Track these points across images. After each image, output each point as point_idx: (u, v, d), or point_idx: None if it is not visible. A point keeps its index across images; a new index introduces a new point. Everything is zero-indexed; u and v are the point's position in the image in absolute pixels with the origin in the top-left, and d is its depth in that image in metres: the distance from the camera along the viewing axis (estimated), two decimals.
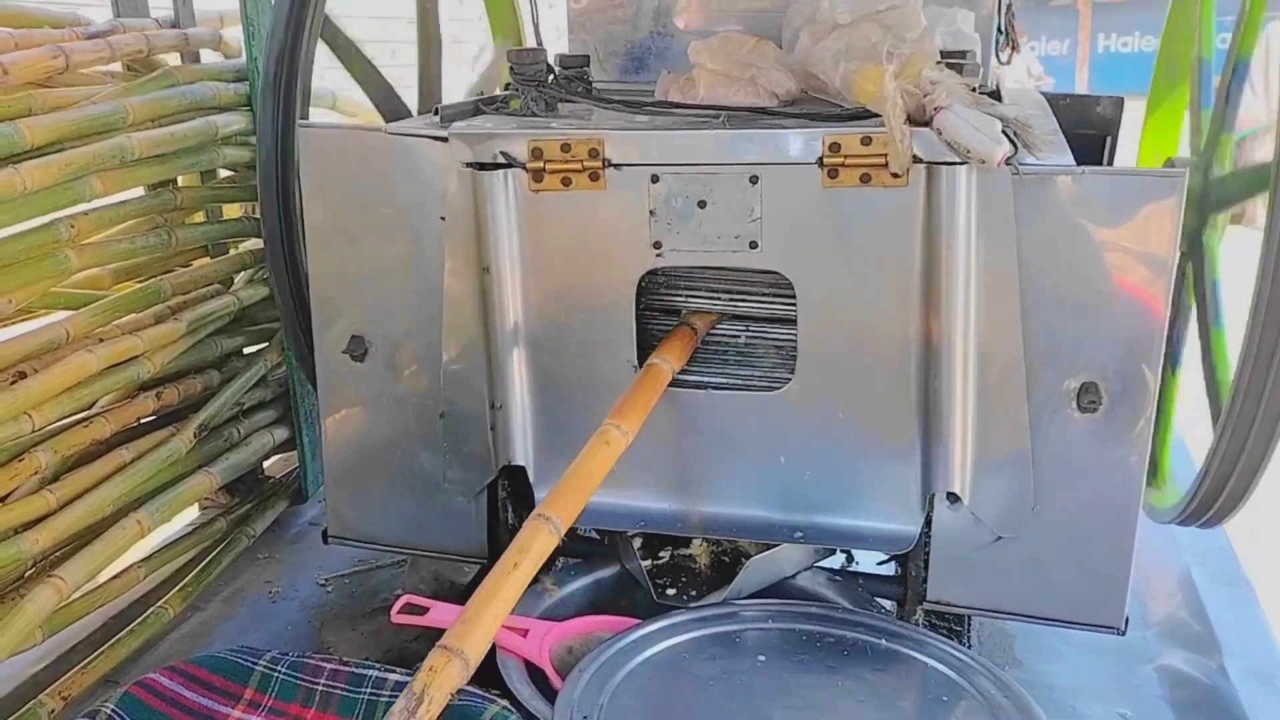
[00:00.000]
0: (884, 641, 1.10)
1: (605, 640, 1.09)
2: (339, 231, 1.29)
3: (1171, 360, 1.52)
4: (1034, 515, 1.17)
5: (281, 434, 1.70)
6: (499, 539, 1.34)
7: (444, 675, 0.85)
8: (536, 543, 0.98)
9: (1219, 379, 1.41)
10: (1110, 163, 1.58)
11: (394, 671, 1.04)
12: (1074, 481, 1.15)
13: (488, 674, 1.10)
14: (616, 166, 1.17)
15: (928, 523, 1.20)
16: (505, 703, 0.97)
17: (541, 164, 1.18)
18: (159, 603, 1.46)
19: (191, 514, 1.70)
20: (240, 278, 1.65)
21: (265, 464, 1.83)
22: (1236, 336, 1.22)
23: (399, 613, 1.15)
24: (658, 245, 1.19)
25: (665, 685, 1.01)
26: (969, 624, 1.32)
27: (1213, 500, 1.27)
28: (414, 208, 1.25)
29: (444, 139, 1.21)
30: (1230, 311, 1.42)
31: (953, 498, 1.17)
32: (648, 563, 1.28)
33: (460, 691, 0.90)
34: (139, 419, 1.46)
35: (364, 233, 1.28)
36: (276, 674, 1.02)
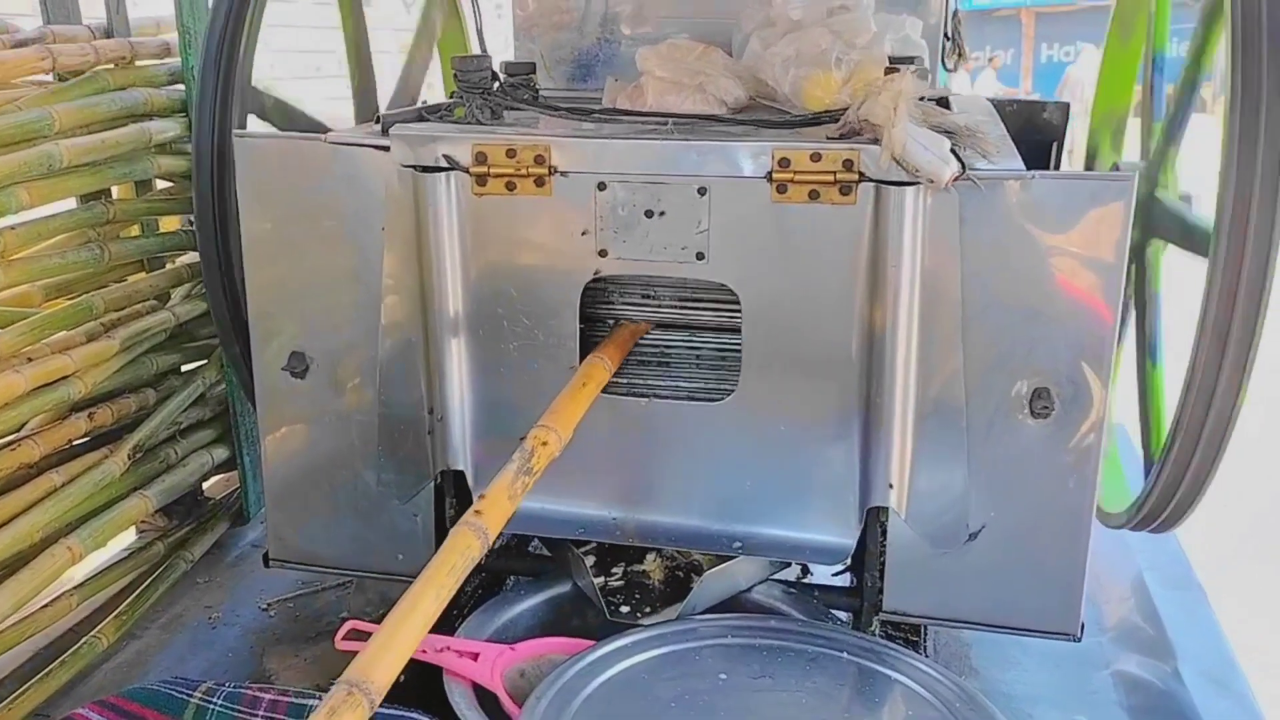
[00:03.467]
0: (846, 655, 1.08)
1: (561, 663, 1.06)
2: (277, 244, 1.25)
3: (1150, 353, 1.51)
4: (974, 528, 1.16)
5: (221, 454, 1.65)
6: None
7: (344, 716, 0.76)
8: (460, 553, 0.93)
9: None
10: (1057, 167, 1.59)
11: None
12: (1027, 488, 1.15)
13: (434, 700, 1.07)
14: (563, 174, 1.15)
15: (883, 533, 1.19)
16: None
17: (486, 168, 1.15)
18: (92, 632, 1.40)
19: (127, 538, 1.64)
20: (177, 293, 1.60)
21: (205, 485, 1.78)
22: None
23: (344, 638, 1.11)
24: (603, 253, 1.17)
25: (626, 708, 0.99)
26: (925, 633, 1.32)
27: (1164, 505, 1.27)
28: (355, 219, 1.22)
29: (385, 148, 1.18)
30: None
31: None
32: (600, 580, 1.25)
33: (403, 718, 0.87)
34: (70, 441, 1.40)
35: (304, 246, 1.24)
36: (212, 706, 0.98)
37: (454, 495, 1.29)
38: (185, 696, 0.98)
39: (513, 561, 1.36)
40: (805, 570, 1.32)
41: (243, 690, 0.99)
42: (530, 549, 1.42)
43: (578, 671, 1.03)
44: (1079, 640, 1.18)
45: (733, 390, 1.18)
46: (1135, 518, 1.36)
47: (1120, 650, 1.44)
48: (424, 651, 1.08)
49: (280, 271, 1.25)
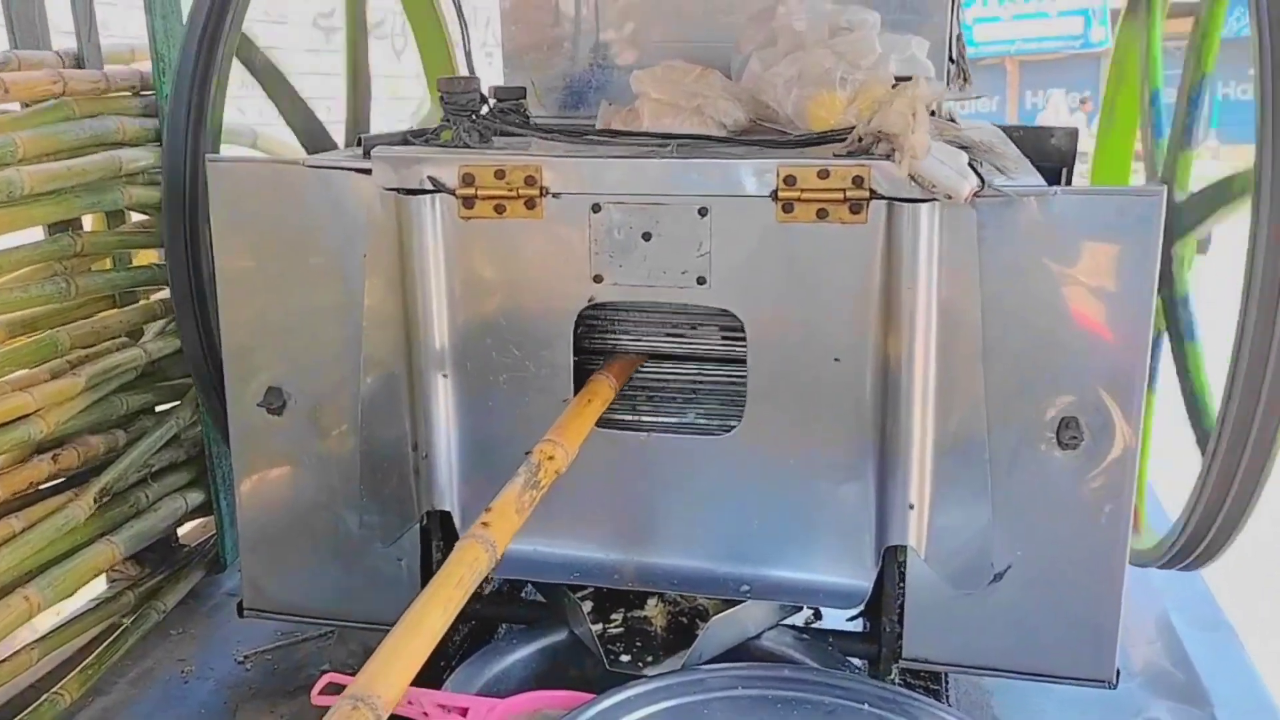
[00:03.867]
0: (867, 707, 1.00)
1: (558, 718, 0.97)
2: (253, 274, 1.18)
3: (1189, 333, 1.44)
4: (999, 567, 1.08)
5: (196, 498, 1.57)
6: None
7: None
8: (468, 565, 0.86)
9: (1199, 398, 1.34)
10: None
11: None
12: (1057, 524, 1.07)
13: None
14: (555, 195, 1.08)
15: (901, 575, 1.12)
16: None
17: (473, 190, 1.09)
18: (54, 688, 1.31)
19: (97, 588, 1.55)
20: (150, 329, 1.52)
21: (180, 531, 1.69)
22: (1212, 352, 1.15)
23: (320, 693, 1.02)
24: (598, 278, 1.10)
25: None
26: (947, 681, 1.23)
27: (1198, 542, 1.21)
28: (336, 247, 1.15)
29: (367, 170, 1.12)
30: (1203, 328, 1.36)
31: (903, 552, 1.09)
32: (599, 627, 1.16)
33: None
34: (32, 484, 1.32)
35: (281, 275, 1.17)
36: None
37: (440, 538, 1.21)
38: None
39: (504, 609, 1.27)
40: (817, 615, 1.24)
41: None
42: (523, 595, 1.34)
43: None
44: (1114, 687, 1.10)
45: (738, 423, 1.11)
46: (1167, 554, 1.28)
47: (1151, 696, 1.35)
48: (409, 705, 0.99)
49: (256, 303, 1.18)
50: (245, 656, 1.48)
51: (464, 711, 1.00)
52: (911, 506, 1.07)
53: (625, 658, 1.13)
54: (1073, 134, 1.60)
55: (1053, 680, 1.11)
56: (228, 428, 1.22)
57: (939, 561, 1.08)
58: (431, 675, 1.14)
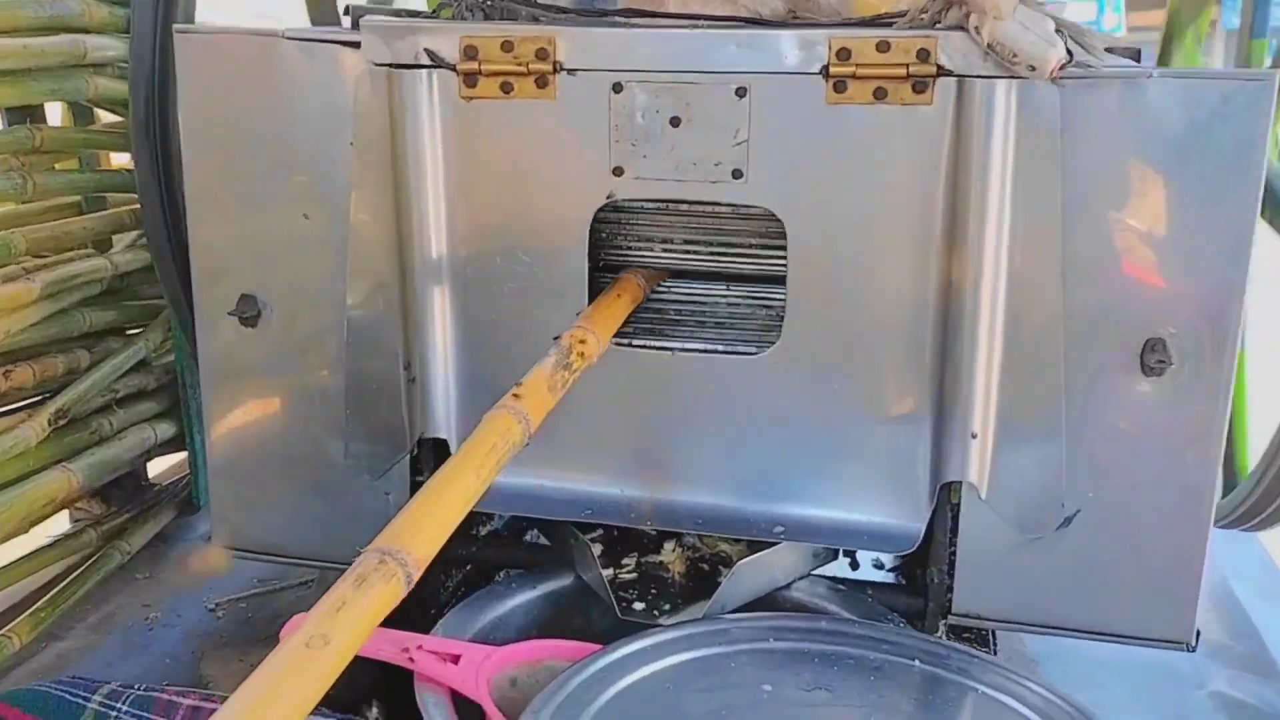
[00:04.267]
0: (919, 664, 0.87)
1: (564, 669, 0.84)
2: (225, 163, 1.03)
3: None
4: (1068, 510, 0.95)
5: (167, 430, 1.43)
6: None
7: (376, 589, 0.58)
8: (501, 434, 0.75)
9: None
10: None
11: None
12: (1136, 463, 0.94)
13: (398, 710, 0.85)
14: (570, 72, 0.94)
15: (954, 517, 0.98)
16: None
17: (476, 65, 0.94)
18: (3, 630, 1.18)
19: (59, 525, 1.42)
20: (120, 241, 1.38)
21: (154, 471, 1.56)
22: None
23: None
24: (618, 171, 0.96)
25: None
26: (995, 642, 1.10)
27: (1271, 500, 1.08)
28: (320, 134, 1.01)
29: (355, 44, 0.98)
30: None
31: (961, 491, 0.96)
32: (609, 572, 1.03)
33: None
34: None
35: (257, 165, 1.03)
36: (115, 713, 0.76)
37: (434, 469, 1.07)
38: (82, 701, 0.77)
39: (502, 552, 1.14)
40: (854, 564, 1.10)
41: (155, 694, 0.77)
42: (527, 539, 1.20)
43: (586, 679, 0.81)
44: (1193, 649, 0.97)
45: (775, 340, 0.97)
46: (1234, 512, 1.15)
47: (1216, 667, 1.22)
48: (387, 649, 0.86)
49: (227, 196, 1.04)
50: (217, 604, 1.35)
51: (455, 658, 0.87)
52: (974, 436, 0.93)
53: (639, 606, 1.00)
54: (1135, 53, 1.45)
55: (1121, 640, 0.98)
56: (195, 339, 1.09)
57: (1002, 501, 0.95)
58: (419, 621, 1.01)
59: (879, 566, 1.23)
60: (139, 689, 0.77)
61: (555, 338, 0.89)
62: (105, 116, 1.42)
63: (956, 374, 0.93)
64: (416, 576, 0.61)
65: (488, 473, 0.71)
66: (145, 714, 0.75)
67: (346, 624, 0.55)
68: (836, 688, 0.83)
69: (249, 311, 1.05)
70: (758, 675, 0.84)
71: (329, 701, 1.01)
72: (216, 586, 1.38)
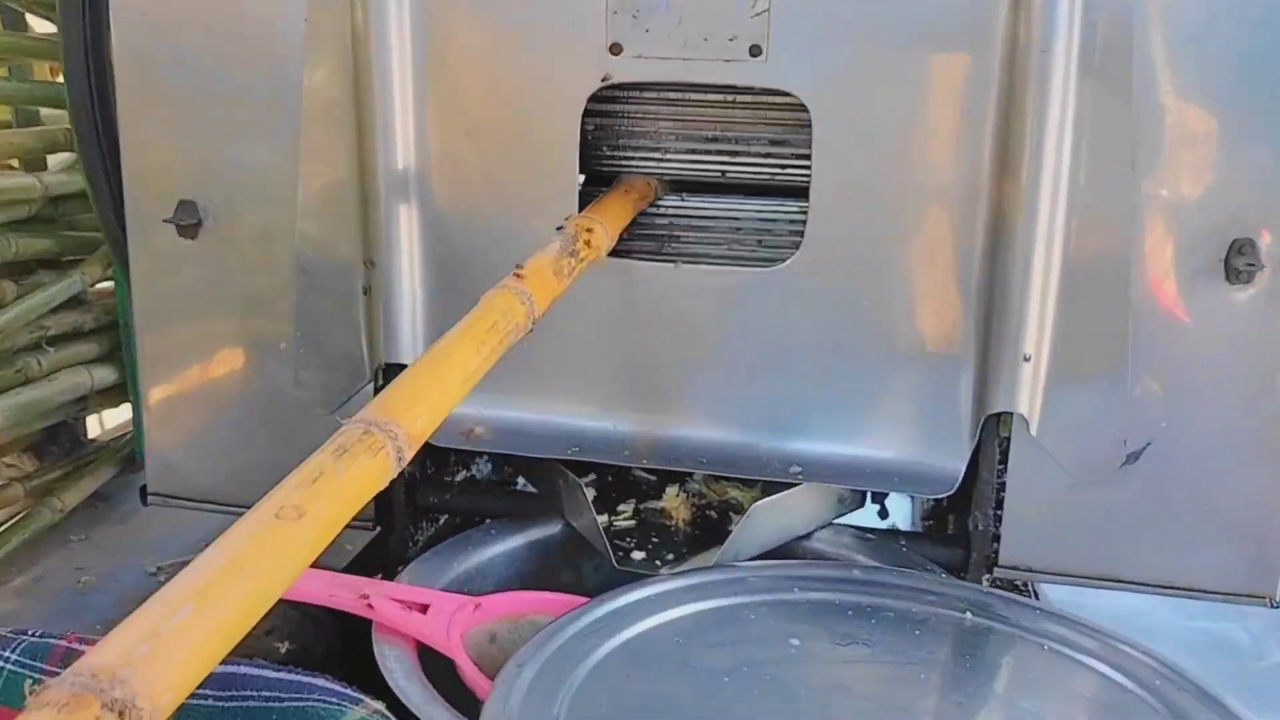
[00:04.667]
0: (970, 616, 0.74)
1: (552, 623, 0.71)
2: (161, 50, 0.89)
3: None
4: (1134, 446, 0.82)
5: (106, 376, 1.28)
6: (389, 494, 0.95)
7: (360, 461, 0.46)
8: (501, 313, 0.62)
9: None
10: None
11: None
12: (1215, 389, 0.81)
13: (356, 664, 0.71)
14: None
15: (1002, 454, 0.85)
16: (378, 705, 0.58)
17: None
18: None
19: None
20: (53, 161, 1.24)
21: (96, 426, 1.42)
22: None
23: None
24: (615, 49, 0.82)
25: (655, 683, 0.64)
26: (1036, 596, 0.97)
27: None
28: (270, 12, 0.87)
29: None
30: None
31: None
32: (603, 518, 0.90)
33: (299, 683, 0.52)
34: None
35: (197, 51, 0.89)
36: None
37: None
38: None
39: (482, 501, 0.99)
40: (883, 512, 0.97)
41: (53, 641, 0.62)
42: (515, 487, 1.06)
43: (582, 629, 0.68)
44: (1276, 605, 0.84)
45: (795, 249, 0.84)
46: None
47: (1274, 640, 1.10)
48: (341, 596, 0.72)
49: (164, 88, 0.90)
50: (159, 568, 1.21)
51: (423, 608, 0.73)
52: (1027, 359, 0.80)
53: (638, 555, 0.86)
54: None
55: (1192, 595, 0.85)
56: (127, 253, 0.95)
57: (1058, 436, 0.82)
58: (383, 568, 0.88)
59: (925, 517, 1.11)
60: (33, 635, 0.63)
61: (558, 227, 0.76)
62: (41, 26, 1.27)
63: (1007, 286, 0.80)
64: (408, 456, 0.49)
65: (489, 351, 0.59)
66: (36, 664, 0.61)
67: (324, 497, 0.43)
68: (876, 642, 0.70)
69: (187, 219, 0.91)
70: (782, 628, 0.71)
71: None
72: (159, 548, 1.23)
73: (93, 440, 1.39)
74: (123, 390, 1.33)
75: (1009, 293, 0.80)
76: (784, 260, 0.84)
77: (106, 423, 1.47)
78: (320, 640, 0.94)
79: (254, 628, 0.99)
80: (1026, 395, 0.81)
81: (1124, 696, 0.65)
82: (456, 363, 0.56)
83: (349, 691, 0.58)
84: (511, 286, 0.64)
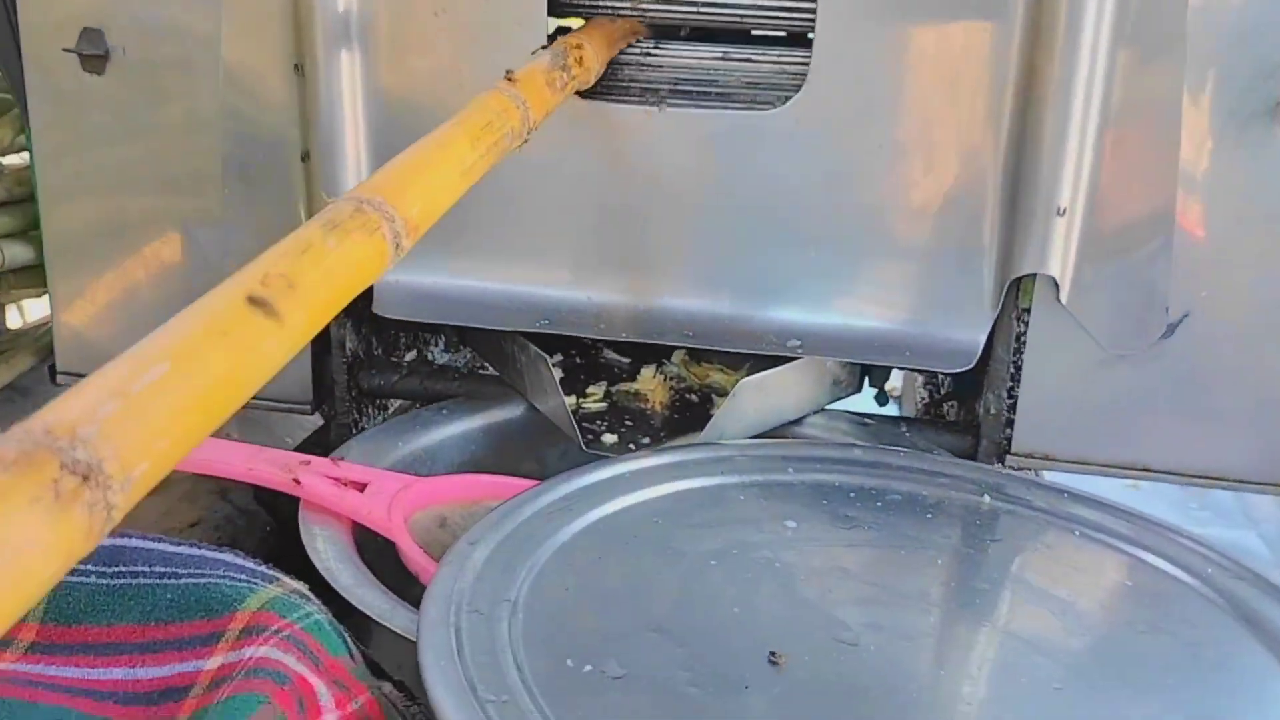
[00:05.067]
0: (988, 499, 0.65)
1: (511, 499, 0.61)
2: None
3: None
4: (1172, 316, 0.73)
5: (20, 254, 1.15)
6: (327, 376, 0.85)
7: (354, 238, 0.37)
8: (496, 112, 0.52)
9: None
10: None
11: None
12: (1261, 250, 0.72)
13: (291, 563, 0.61)
14: None
15: (1021, 327, 0.75)
16: (297, 584, 0.48)
17: None
18: None
19: None
20: None
21: (14, 315, 1.29)
22: None
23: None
24: None
25: (631, 567, 0.54)
26: None
27: None
28: None
29: None
30: None
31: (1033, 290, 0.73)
32: (571, 399, 0.80)
33: (201, 558, 0.42)
34: None
35: None
36: None
37: None
38: None
39: (434, 382, 0.89)
40: (881, 396, 0.88)
41: None
42: (477, 369, 0.96)
43: (546, 506, 0.58)
44: None
45: (796, 91, 0.73)
46: None
47: None
48: (263, 470, 0.62)
49: None
50: None
51: (360, 486, 0.63)
52: (1061, 212, 0.70)
53: (609, 439, 0.76)
54: None
55: (1226, 485, 0.77)
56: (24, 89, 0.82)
57: (1092, 301, 0.72)
58: (315, 446, 0.77)
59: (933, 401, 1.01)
60: None
61: (542, 47, 0.65)
62: None
63: (1037, 132, 0.70)
64: (406, 246, 0.41)
65: (484, 150, 0.49)
66: None
67: (315, 273, 0.35)
68: (883, 525, 0.61)
69: (92, 49, 0.79)
70: (775, 510, 0.61)
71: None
72: None
73: (12, 331, 1.27)
74: (40, 273, 1.21)
75: (1041, 132, 0.69)
76: (783, 103, 0.74)
77: (28, 315, 1.35)
78: (251, 535, 0.85)
79: (175, 522, 0.88)
80: (1058, 255, 0.71)
81: (1173, 585, 0.56)
82: (453, 154, 0.46)
83: (262, 568, 0.48)
84: (504, 89, 0.54)
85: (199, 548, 0.48)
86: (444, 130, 0.49)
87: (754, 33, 0.89)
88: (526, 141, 0.56)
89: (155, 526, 0.90)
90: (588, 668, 0.45)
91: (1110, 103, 0.68)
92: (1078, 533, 0.61)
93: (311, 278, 0.34)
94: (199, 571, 0.46)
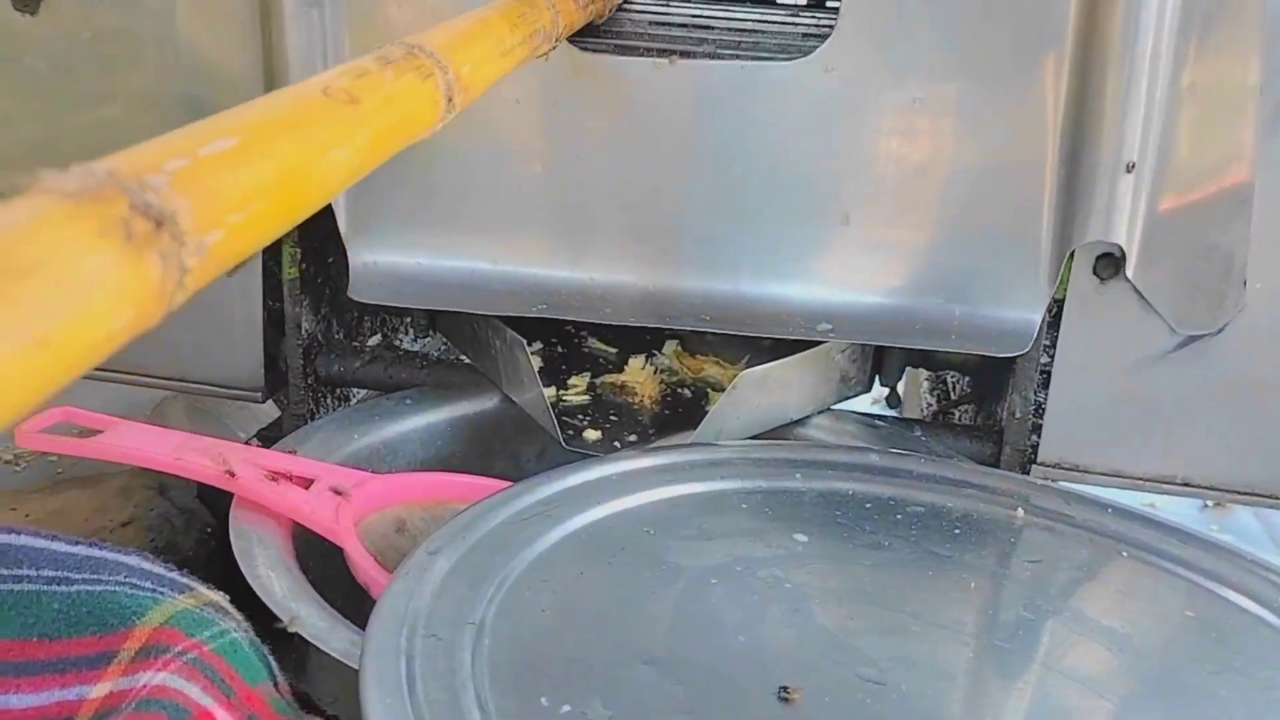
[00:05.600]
0: (1022, 512, 0.57)
1: (479, 503, 0.52)
2: None
3: None
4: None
5: None
6: (281, 360, 0.76)
7: (407, 78, 0.35)
8: (531, 5, 0.49)
9: None
10: None
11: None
12: None
13: (223, 547, 0.53)
14: None
15: (1054, 317, 0.68)
16: (215, 595, 0.40)
17: None
18: None
19: None
20: None
21: None
22: None
23: (44, 430, 0.56)
24: None
25: (618, 584, 0.46)
26: None
27: None
28: None
29: None
30: None
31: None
32: (550, 390, 0.72)
33: (99, 561, 0.34)
34: None
35: None
36: None
37: (311, 257, 0.74)
38: None
39: (401, 370, 0.80)
40: (894, 398, 0.80)
41: None
42: (449, 356, 0.87)
43: (519, 513, 0.50)
44: None
45: (821, 41, 0.65)
46: None
47: None
48: (195, 462, 0.54)
49: None
50: (16, 455, 1.01)
51: (306, 482, 0.55)
52: (1130, 167, 0.62)
53: (591, 435, 0.68)
54: None
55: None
56: None
57: (1163, 276, 0.63)
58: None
59: (951, 403, 0.93)
60: None
61: None
62: None
63: (1101, 88, 0.61)
64: (459, 103, 0.38)
65: (521, 38, 0.46)
66: None
67: (374, 96, 0.32)
68: (906, 542, 0.53)
69: None
70: (783, 520, 0.54)
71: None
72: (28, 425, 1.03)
73: None
74: None
75: (1106, 78, 0.61)
76: (807, 54, 0.65)
77: None
78: (189, 536, 0.76)
79: (107, 519, 0.78)
80: (1125, 219, 0.62)
81: (1241, 617, 0.49)
82: (493, 32, 0.43)
83: (172, 574, 0.39)
84: None
85: (99, 548, 0.40)
86: (481, 11, 0.45)
87: None
88: (554, 48, 0.52)
89: (84, 526, 0.81)
90: (566, 707, 0.37)
91: (1186, 38, 0.60)
92: (1125, 554, 0.54)
93: (372, 100, 0.31)
94: (94, 577, 0.38)
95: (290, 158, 0.27)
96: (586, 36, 0.68)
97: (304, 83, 0.31)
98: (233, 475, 0.52)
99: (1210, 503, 1.01)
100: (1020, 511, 0.57)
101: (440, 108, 0.36)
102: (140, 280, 0.20)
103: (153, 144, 0.24)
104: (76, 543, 0.40)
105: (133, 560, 0.40)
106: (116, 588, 0.38)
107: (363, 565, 0.50)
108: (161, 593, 0.38)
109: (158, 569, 0.39)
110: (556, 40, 0.51)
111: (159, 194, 0.22)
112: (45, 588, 0.38)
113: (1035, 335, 0.64)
